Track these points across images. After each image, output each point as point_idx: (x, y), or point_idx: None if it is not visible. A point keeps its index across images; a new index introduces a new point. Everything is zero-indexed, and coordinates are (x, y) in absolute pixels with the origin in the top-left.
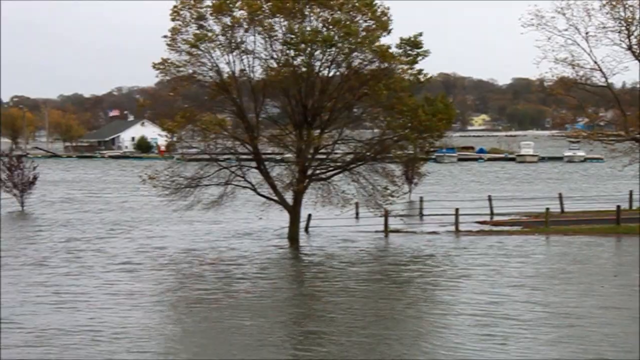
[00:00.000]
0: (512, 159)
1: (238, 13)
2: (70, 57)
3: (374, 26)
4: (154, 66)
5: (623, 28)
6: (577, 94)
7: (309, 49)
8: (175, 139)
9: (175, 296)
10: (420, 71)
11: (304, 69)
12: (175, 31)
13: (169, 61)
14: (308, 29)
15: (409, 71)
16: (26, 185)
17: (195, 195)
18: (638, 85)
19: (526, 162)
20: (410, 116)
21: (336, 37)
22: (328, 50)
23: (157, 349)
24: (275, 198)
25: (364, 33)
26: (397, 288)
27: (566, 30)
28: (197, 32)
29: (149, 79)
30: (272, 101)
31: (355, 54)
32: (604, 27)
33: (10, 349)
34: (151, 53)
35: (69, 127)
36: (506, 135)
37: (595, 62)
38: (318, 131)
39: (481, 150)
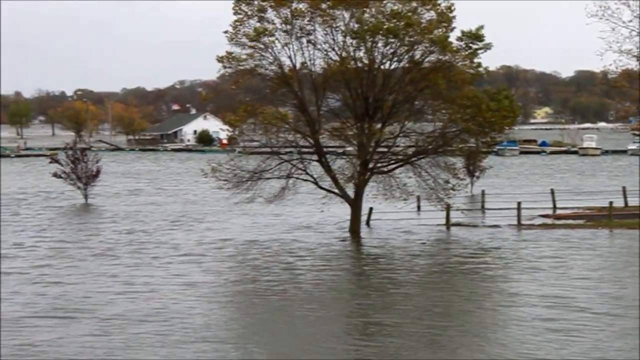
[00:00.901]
0: (575, 152)
1: (299, 5)
2: (133, 51)
3: (436, 20)
4: (218, 59)
5: None
6: None
7: (371, 40)
8: (237, 132)
9: (247, 287)
10: (479, 64)
11: (365, 62)
12: (237, 24)
13: (232, 55)
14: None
15: (470, 64)
16: (90, 178)
17: (257, 188)
18: None
19: (589, 155)
20: (474, 111)
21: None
22: (391, 41)
23: (238, 342)
24: (337, 191)
25: (425, 24)
26: (462, 280)
27: (631, 21)
28: (258, 24)
29: (211, 72)
30: (333, 94)
31: (416, 46)
32: None
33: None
34: (215, 46)
35: (132, 121)
36: (569, 128)
37: None
38: (379, 124)
39: (543, 143)
